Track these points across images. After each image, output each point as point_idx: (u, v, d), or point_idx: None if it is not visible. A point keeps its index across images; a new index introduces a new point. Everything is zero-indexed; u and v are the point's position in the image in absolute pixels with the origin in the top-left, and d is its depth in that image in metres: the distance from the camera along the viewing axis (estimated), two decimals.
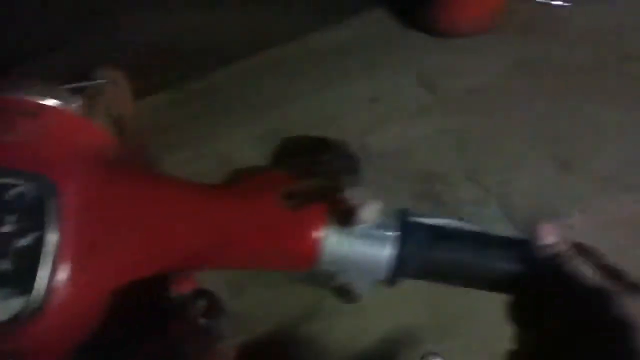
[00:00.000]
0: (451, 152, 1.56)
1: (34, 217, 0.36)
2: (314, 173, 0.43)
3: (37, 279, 0.35)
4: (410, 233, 0.38)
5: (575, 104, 1.68)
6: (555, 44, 1.87)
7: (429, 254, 0.38)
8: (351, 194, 0.38)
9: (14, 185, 0.36)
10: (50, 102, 0.41)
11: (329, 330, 1.27)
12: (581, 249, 0.37)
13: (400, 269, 0.38)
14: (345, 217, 0.37)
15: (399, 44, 1.84)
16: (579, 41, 1.89)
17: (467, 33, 1.83)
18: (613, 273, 0.35)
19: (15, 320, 0.34)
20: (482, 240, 0.39)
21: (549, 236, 0.37)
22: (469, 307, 1.27)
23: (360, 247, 0.38)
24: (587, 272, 0.35)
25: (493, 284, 0.39)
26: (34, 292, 0.35)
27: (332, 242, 0.37)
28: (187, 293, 0.65)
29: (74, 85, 1.04)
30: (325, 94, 1.63)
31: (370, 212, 0.37)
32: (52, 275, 0.35)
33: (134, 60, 1.38)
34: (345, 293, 0.39)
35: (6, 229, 0.36)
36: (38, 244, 0.35)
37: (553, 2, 2.02)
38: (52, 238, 0.36)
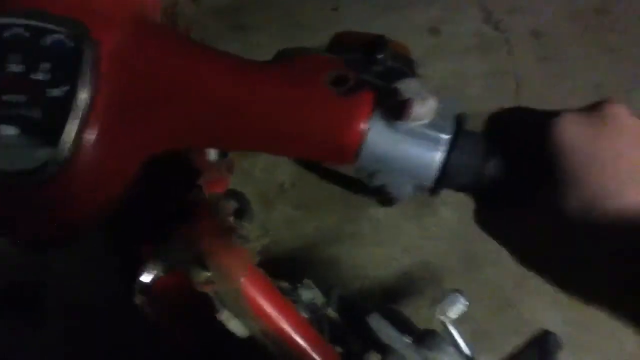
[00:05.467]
0: (507, 95, 1.49)
1: (68, 69, 0.34)
2: (366, 68, 0.40)
3: (66, 131, 0.33)
4: (465, 140, 0.35)
5: None
6: None
7: (482, 167, 0.35)
8: (405, 87, 0.34)
9: (52, 32, 0.34)
10: None
11: (353, 256, 1.27)
12: None
13: (448, 178, 0.35)
14: (395, 111, 0.34)
15: None
16: None
17: None
18: None
19: (43, 170, 0.33)
20: None
21: None
22: (494, 251, 1.25)
23: (407, 145, 0.34)
24: None
25: None
26: (62, 144, 0.33)
27: (378, 135, 0.34)
28: (220, 193, 0.65)
29: None
30: (381, 20, 1.56)
31: (424, 108, 0.34)
32: (82, 130, 0.34)
33: None
34: (382, 194, 0.36)
35: (39, 76, 0.34)
36: (70, 96, 0.34)
37: None
38: (84, 93, 0.34)
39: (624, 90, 1.52)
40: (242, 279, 0.59)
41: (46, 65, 0.34)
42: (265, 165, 1.34)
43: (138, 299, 0.60)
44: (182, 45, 0.38)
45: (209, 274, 0.56)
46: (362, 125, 0.34)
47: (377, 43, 0.40)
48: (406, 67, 0.41)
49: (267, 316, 0.62)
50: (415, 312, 1.15)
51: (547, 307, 1.24)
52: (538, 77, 1.53)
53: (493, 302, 1.26)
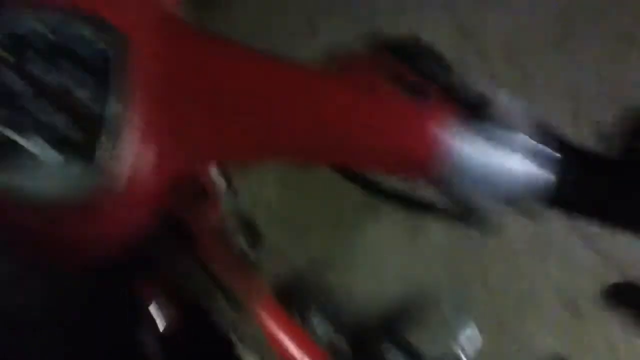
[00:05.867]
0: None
1: (99, 76, 0.29)
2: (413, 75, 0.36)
3: (100, 147, 0.28)
4: (570, 153, 0.30)
5: None
6: None
7: (595, 186, 0.30)
8: (475, 85, 0.30)
9: (80, 35, 0.29)
10: None
11: (347, 284, 1.22)
12: None
13: (557, 196, 0.29)
14: (474, 111, 0.30)
15: None
16: None
17: None
18: None
19: (77, 192, 0.28)
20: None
21: None
22: (486, 272, 1.23)
23: (501, 154, 0.29)
24: None
25: None
26: (98, 162, 0.28)
27: (462, 143, 0.30)
28: (227, 218, 0.60)
29: None
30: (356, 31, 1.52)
31: (506, 103, 0.30)
32: (118, 146, 0.29)
33: None
34: (476, 218, 0.31)
35: (66, 83, 0.29)
36: (100, 104, 0.29)
37: None
38: (119, 104, 0.29)
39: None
40: (258, 309, 0.54)
41: (75, 73, 0.29)
42: (251, 185, 1.29)
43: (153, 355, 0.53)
44: (225, 49, 0.33)
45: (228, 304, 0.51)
46: (443, 132, 0.30)
47: (416, 46, 0.37)
48: (446, 71, 0.37)
49: (287, 351, 0.57)
50: (417, 337, 1.12)
51: (542, 329, 1.22)
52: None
53: (488, 324, 1.24)
